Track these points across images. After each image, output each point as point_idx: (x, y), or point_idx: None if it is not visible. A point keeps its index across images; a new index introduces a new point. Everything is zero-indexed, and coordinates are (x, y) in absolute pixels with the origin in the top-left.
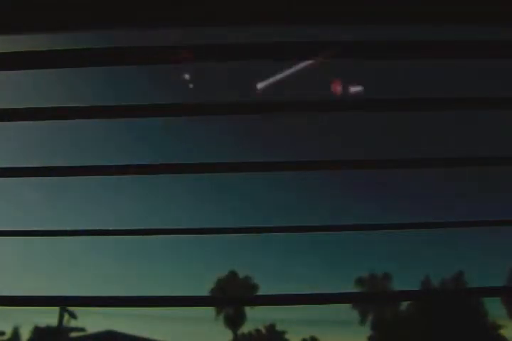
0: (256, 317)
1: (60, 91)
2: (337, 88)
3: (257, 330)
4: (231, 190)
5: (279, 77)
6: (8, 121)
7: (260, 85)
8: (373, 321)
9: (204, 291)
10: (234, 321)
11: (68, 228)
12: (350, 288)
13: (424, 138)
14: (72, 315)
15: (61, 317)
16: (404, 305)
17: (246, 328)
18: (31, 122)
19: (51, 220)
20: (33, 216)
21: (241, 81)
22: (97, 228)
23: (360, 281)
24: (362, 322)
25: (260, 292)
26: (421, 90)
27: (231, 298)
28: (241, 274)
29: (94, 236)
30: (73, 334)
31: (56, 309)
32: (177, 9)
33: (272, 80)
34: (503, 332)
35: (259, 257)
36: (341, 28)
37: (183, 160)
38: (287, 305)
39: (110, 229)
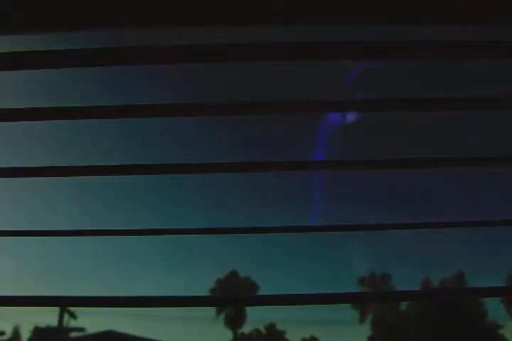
0: (256, 317)
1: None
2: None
3: (257, 330)
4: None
5: None
6: (8, 121)
7: None
8: (373, 321)
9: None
10: (234, 321)
11: (68, 228)
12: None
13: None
14: (72, 315)
15: (61, 317)
16: (404, 305)
17: (246, 328)
18: (31, 122)
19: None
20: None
21: (240, 81)
22: (97, 228)
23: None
24: (362, 322)
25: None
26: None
27: (231, 298)
28: (241, 274)
29: (94, 237)
30: (73, 334)
31: (56, 309)
32: (177, 9)
33: None
34: (503, 332)
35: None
36: (341, 28)
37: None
38: (287, 305)
39: (110, 229)
